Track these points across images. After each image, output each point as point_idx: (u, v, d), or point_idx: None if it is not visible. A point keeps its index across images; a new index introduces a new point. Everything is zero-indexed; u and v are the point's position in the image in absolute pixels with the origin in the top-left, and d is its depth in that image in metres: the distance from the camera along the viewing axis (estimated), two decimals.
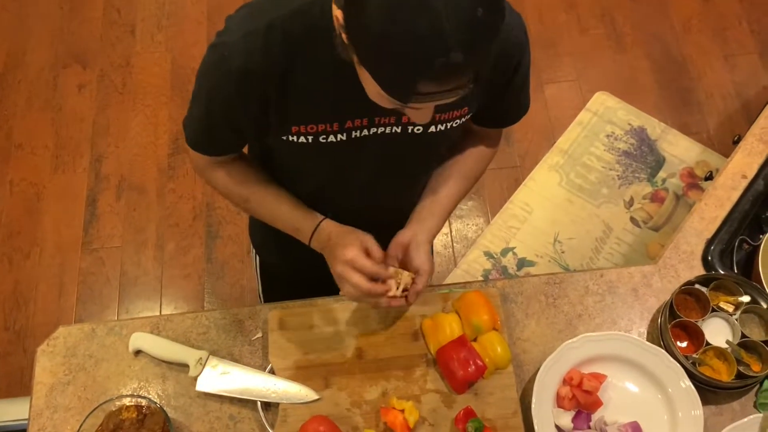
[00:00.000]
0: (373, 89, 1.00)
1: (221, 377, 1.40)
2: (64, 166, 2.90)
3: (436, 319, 1.44)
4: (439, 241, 2.71)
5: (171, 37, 3.19)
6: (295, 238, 1.37)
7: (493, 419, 1.37)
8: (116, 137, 2.96)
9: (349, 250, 1.25)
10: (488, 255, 2.66)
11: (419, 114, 1.05)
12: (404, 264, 1.33)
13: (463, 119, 1.26)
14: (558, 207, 2.76)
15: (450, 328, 1.42)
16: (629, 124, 2.92)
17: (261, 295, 1.87)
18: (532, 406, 1.35)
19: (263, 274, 1.82)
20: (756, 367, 1.39)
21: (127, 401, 1.35)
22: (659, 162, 2.84)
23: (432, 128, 1.23)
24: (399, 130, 1.22)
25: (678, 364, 1.38)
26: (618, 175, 2.82)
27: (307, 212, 1.35)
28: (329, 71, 1.11)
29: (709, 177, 2.70)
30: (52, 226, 2.78)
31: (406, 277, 1.30)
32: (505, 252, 2.67)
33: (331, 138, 1.20)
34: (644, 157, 2.85)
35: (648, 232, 2.71)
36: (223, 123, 1.23)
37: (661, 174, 2.82)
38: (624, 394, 1.41)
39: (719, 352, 1.41)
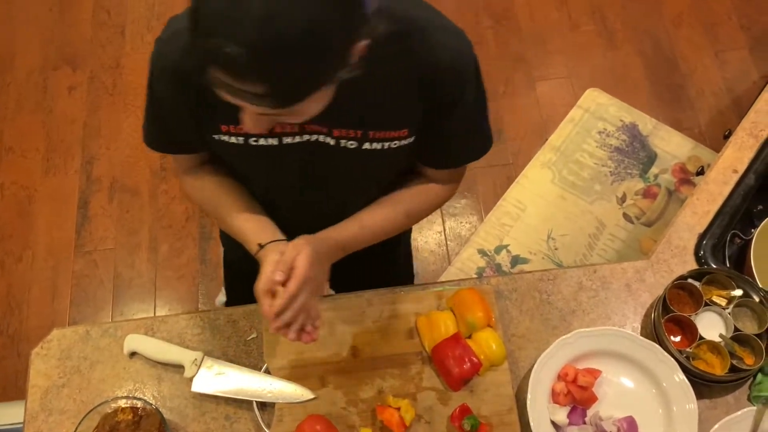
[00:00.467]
0: None
1: (217, 378, 1.39)
2: (55, 169, 2.89)
3: (431, 316, 1.44)
4: (433, 239, 2.72)
5: None
6: None
7: (488, 416, 1.38)
8: (107, 139, 2.95)
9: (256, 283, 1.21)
10: (482, 253, 2.67)
11: (248, 120, 1.03)
12: None
13: (403, 141, 1.21)
14: (551, 204, 2.77)
15: (445, 325, 1.42)
16: (621, 121, 2.93)
17: (225, 291, 1.85)
18: (528, 402, 1.35)
19: (227, 269, 1.81)
20: (749, 361, 1.40)
21: (122, 403, 1.34)
22: (651, 158, 2.85)
23: (367, 145, 1.20)
24: (333, 142, 1.19)
25: (672, 359, 1.38)
26: (610, 172, 2.82)
27: (252, 234, 1.29)
28: None
29: (701, 172, 2.71)
30: (44, 229, 2.77)
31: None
32: (498, 249, 2.67)
33: (262, 141, 1.19)
34: (636, 153, 2.86)
35: (641, 227, 2.72)
36: (165, 118, 1.23)
37: (653, 170, 2.83)
38: (619, 389, 1.41)
39: (713, 346, 1.41)
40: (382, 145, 1.21)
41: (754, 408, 1.37)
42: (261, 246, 1.26)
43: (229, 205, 1.34)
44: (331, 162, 1.24)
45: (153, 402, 1.39)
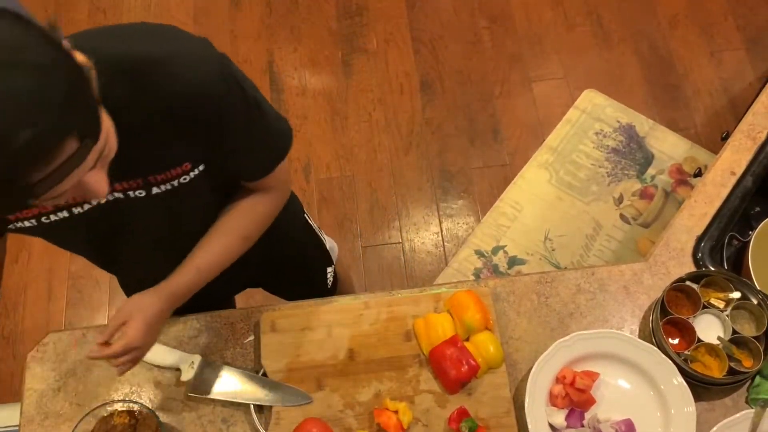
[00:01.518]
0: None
1: (213, 381, 1.39)
2: None
3: (428, 319, 1.44)
4: (430, 240, 2.71)
5: None
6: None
7: (486, 418, 1.37)
8: None
9: None
10: (479, 253, 2.67)
11: (86, 189, 0.95)
12: None
13: (194, 173, 1.15)
14: (548, 204, 2.76)
15: (442, 328, 1.42)
16: (618, 121, 2.93)
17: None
18: (526, 404, 1.35)
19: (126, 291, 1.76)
20: (747, 363, 1.40)
21: (118, 406, 1.34)
22: (648, 159, 2.85)
23: (155, 189, 1.14)
24: (122, 196, 1.14)
25: (670, 361, 1.38)
26: (607, 172, 2.82)
27: None
28: None
29: (698, 173, 2.71)
30: None
31: None
32: (495, 250, 2.67)
33: (53, 217, 1.12)
34: (633, 153, 2.86)
35: (638, 228, 2.72)
36: None
37: (650, 171, 2.83)
38: (617, 391, 1.41)
39: (711, 349, 1.41)
40: (172, 185, 1.14)
41: (752, 410, 1.37)
42: None
43: None
44: (135, 216, 1.18)
45: (149, 405, 1.39)
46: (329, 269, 1.86)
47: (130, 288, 1.61)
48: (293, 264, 1.70)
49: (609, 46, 3.14)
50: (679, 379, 1.37)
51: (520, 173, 2.83)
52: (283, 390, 1.39)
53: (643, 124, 2.93)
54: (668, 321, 1.44)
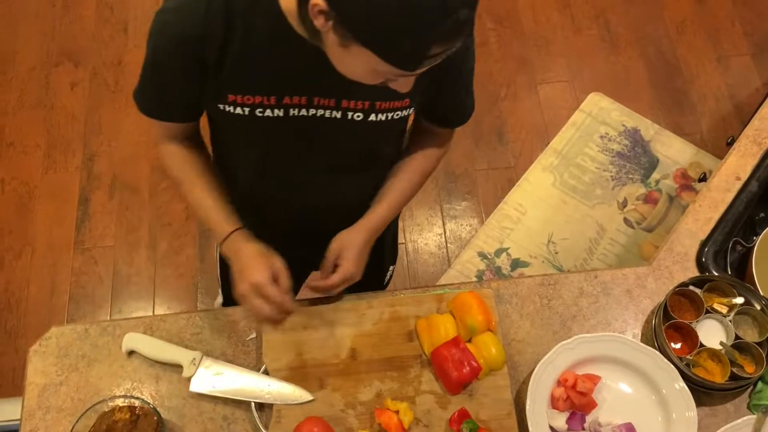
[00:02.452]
0: (362, 68, 1.02)
1: (215, 378, 1.39)
2: (56, 165, 2.88)
3: (431, 319, 1.44)
4: (433, 241, 2.71)
5: None
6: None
7: (487, 420, 1.37)
8: (109, 136, 2.94)
9: (257, 274, 1.26)
10: (482, 255, 2.66)
11: (406, 82, 1.07)
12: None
13: (405, 111, 1.26)
14: (552, 207, 2.76)
15: (444, 328, 1.41)
16: (623, 125, 2.93)
17: (221, 290, 1.87)
18: (527, 407, 1.35)
19: (224, 267, 1.80)
20: (749, 369, 1.40)
21: (120, 402, 1.34)
22: (653, 163, 2.85)
23: (372, 117, 1.23)
24: (339, 115, 1.22)
25: (672, 366, 1.38)
26: (612, 176, 2.82)
27: (227, 216, 1.35)
28: (268, 44, 1.12)
29: (703, 178, 2.71)
30: (43, 225, 2.76)
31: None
32: (498, 252, 2.67)
33: (268, 112, 1.20)
34: (638, 158, 2.86)
35: (641, 232, 2.72)
36: (169, 88, 1.24)
37: (655, 175, 2.82)
38: (618, 395, 1.41)
39: (713, 354, 1.41)
40: (386, 116, 1.24)
41: (754, 416, 1.37)
42: (236, 229, 1.33)
43: (202, 182, 1.36)
44: (337, 137, 1.27)
45: (151, 401, 1.39)
46: (391, 267, 1.89)
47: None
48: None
49: (616, 50, 3.14)
50: (681, 384, 1.37)
51: (524, 176, 2.83)
52: (285, 388, 1.39)
53: (648, 128, 2.92)
54: (671, 325, 1.43)
